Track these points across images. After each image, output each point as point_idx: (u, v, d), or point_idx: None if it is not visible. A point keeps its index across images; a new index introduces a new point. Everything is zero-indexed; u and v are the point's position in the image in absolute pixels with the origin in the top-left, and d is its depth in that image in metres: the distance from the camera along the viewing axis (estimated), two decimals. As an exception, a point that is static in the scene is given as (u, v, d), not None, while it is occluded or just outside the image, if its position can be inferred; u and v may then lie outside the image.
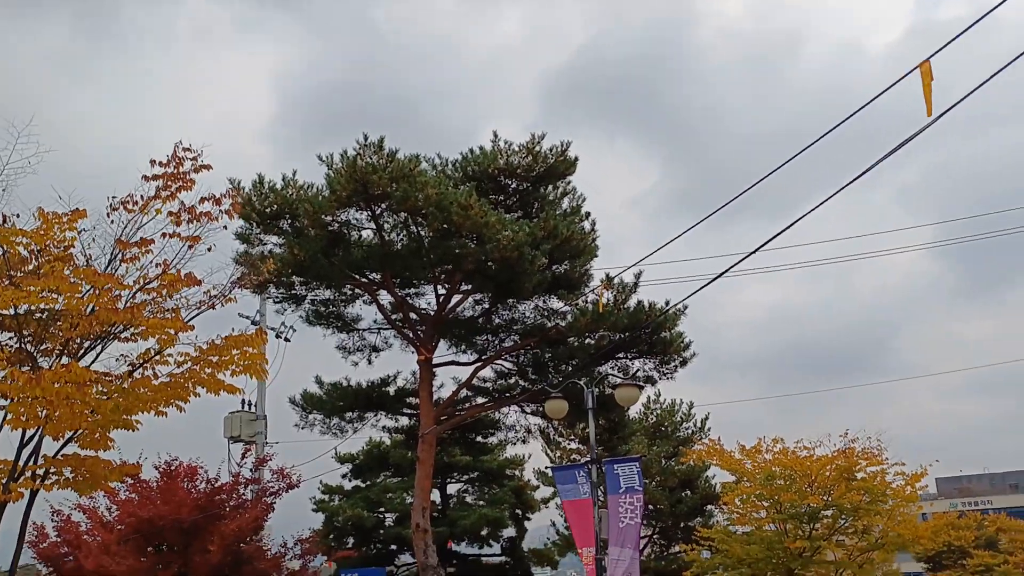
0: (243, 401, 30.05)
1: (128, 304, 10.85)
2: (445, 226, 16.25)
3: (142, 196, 11.04)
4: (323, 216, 16.90)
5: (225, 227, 11.54)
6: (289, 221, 17.84)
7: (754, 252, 9.59)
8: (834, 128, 7.33)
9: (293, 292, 19.30)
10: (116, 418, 10.80)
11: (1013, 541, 37.60)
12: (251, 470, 20.99)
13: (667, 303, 18.09)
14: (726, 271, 10.33)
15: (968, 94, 6.06)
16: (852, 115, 7.04)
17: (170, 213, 11.07)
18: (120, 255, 11.20)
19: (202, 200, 11.14)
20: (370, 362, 20.82)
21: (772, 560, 22.62)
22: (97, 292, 10.44)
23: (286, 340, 31.56)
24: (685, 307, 18.18)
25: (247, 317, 30.36)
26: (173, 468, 18.59)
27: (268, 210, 17.59)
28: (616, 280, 17.49)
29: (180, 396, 12.33)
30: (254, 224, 17.99)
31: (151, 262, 11.33)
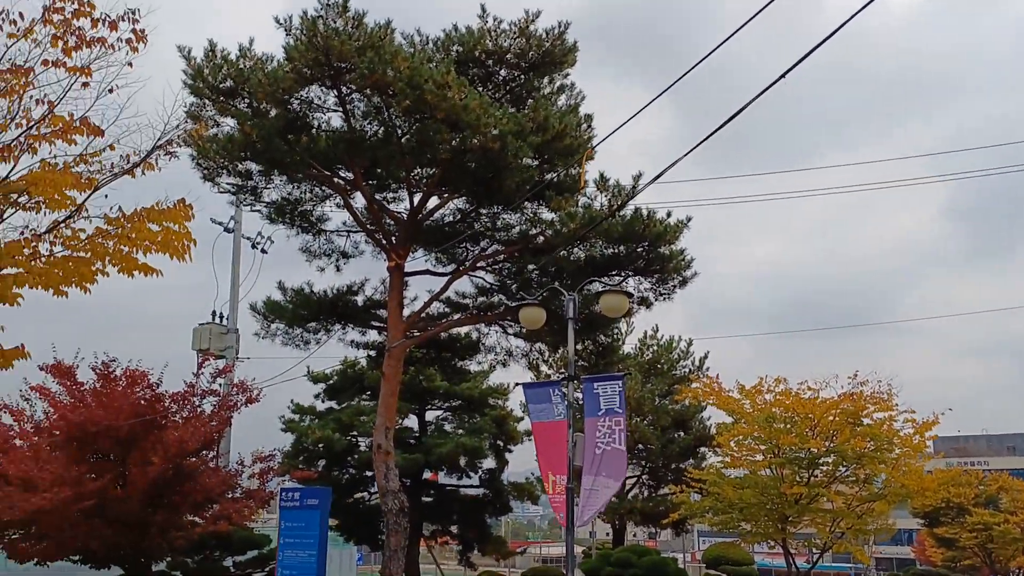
0: (213, 313, 28.37)
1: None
2: (418, 108, 14.14)
3: (24, 18, 8.99)
4: (281, 93, 14.77)
5: (130, 64, 9.51)
6: (247, 101, 15.74)
7: (724, 124, 7.60)
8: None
9: (253, 184, 17.28)
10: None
11: (1015, 501, 36.31)
12: (208, 381, 19.27)
13: (668, 215, 16.04)
14: (705, 139, 8.28)
15: None
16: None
17: (54, 37, 9.01)
18: None
19: (94, 23, 9.06)
20: (339, 269, 18.91)
21: (766, 505, 21.05)
22: None
23: (263, 251, 29.74)
24: (688, 219, 16.12)
25: (220, 223, 28.53)
26: (111, 371, 16.84)
27: (221, 85, 15.46)
28: (612, 183, 15.42)
29: (84, 275, 10.45)
30: (206, 101, 15.89)
31: (32, 99, 9.39)
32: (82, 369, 17.21)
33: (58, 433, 16.48)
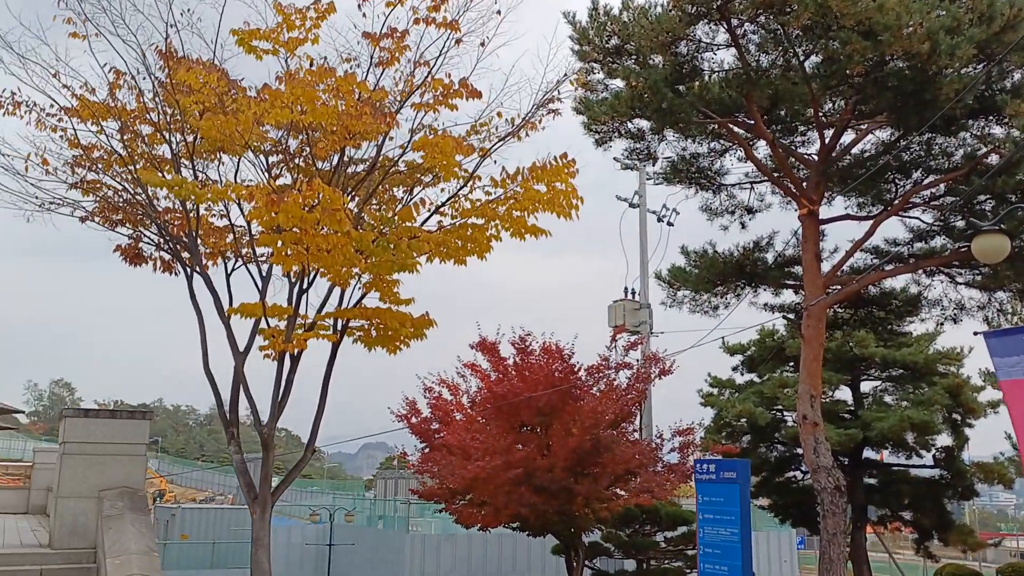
0: (625, 289, 28.49)
1: (381, 112, 9.14)
2: (820, 21, 12.11)
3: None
4: (667, 37, 13.72)
5: (498, 12, 9.17)
6: (633, 57, 14.99)
7: None
8: None
9: (645, 144, 16.50)
10: (387, 258, 9.25)
11: None
12: (621, 355, 19.10)
13: None
14: None
15: None
16: None
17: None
18: (372, 57, 9.53)
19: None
20: (743, 226, 17.34)
21: None
22: (341, 98, 8.85)
23: (669, 224, 29.24)
24: None
25: (625, 200, 28.57)
26: (528, 345, 17.33)
27: (607, 44, 14.87)
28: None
29: (479, 241, 10.45)
30: (594, 65, 15.45)
31: (408, 62, 9.49)
32: (505, 347, 18.02)
33: (488, 406, 17.36)
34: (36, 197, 11.44)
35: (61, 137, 11.33)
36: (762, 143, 15.85)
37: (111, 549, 9.24)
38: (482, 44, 9.52)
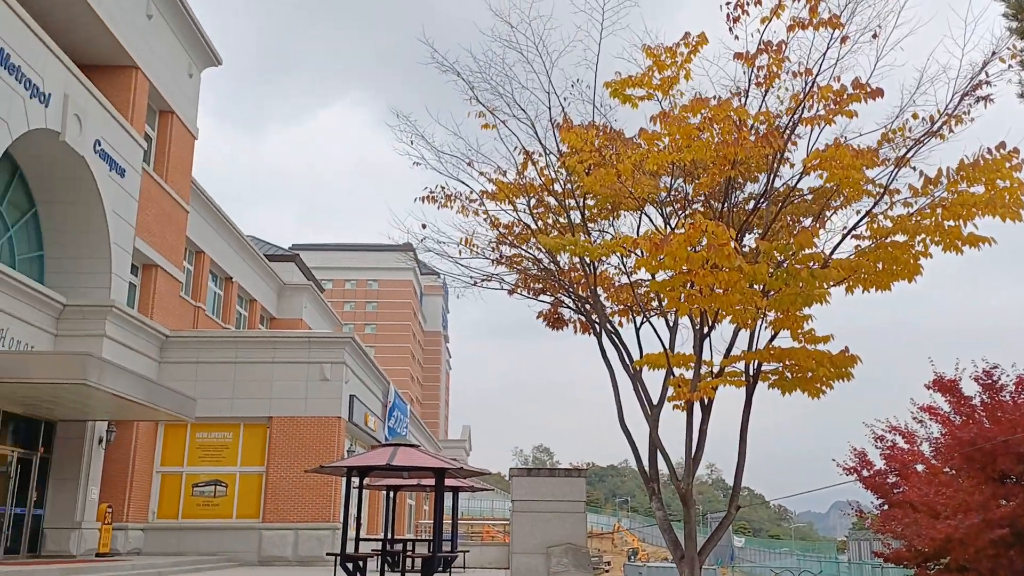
0: None
1: (761, 135, 8.26)
2: None
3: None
4: None
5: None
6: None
7: None
8: None
9: None
10: (791, 291, 8.30)
11: None
12: None
13: None
14: None
15: None
16: None
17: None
18: (749, 78, 8.73)
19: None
20: None
21: None
22: (716, 128, 8.20)
23: None
24: None
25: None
26: (995, 380, 14.63)
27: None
28: None
29: (903, 262, 9.09)
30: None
31: (788, 74, 8.53)
32: (966, 383, 15.48)
33: (954, 454, 14.97)
34: (469, 276, 12.70)
35: (485, 219, 12.48)
36: None
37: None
38: (874, 36, 8.34)
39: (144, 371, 21.09)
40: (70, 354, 17.06)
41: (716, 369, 10.24)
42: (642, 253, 8.70)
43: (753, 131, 8.58)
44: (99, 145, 19.75)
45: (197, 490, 23.23)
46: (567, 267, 12.33)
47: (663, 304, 11.00)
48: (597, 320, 11.68)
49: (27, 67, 16.81)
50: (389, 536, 19.73)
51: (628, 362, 11.22)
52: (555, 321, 13.15)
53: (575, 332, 13.07)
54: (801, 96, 8.62)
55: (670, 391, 10.73)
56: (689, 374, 10.38)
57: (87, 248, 20.16)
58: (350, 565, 13.93)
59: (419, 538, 28.92)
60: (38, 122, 17.29)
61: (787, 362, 9.49)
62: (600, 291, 11.98)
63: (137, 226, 21.79)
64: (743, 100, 9.04)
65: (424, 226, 11.97)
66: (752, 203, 10.22)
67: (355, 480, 15.03)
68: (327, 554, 19.11)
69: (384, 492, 23.58)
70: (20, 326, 18.14)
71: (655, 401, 11.21)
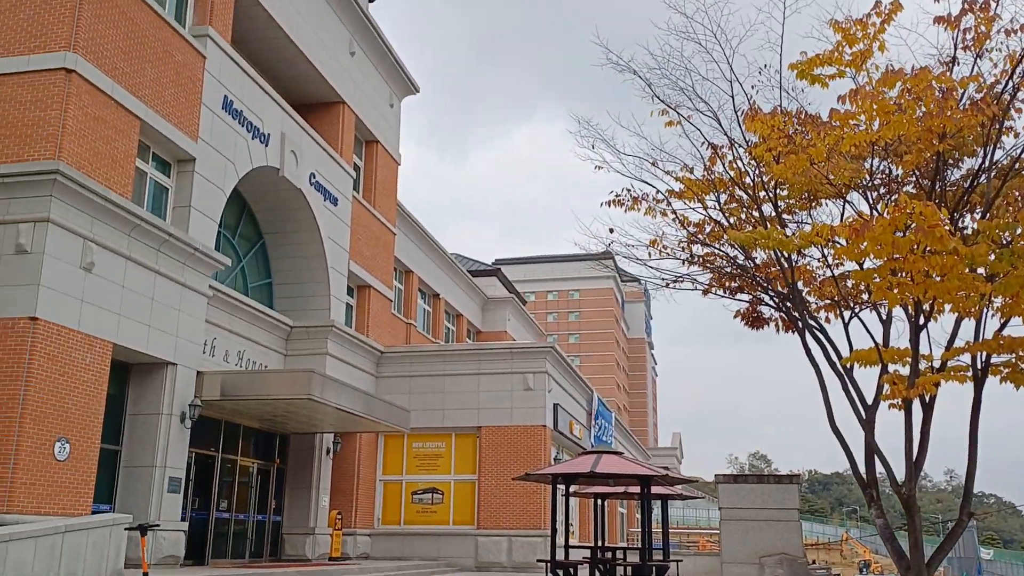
0: None
1: (972, 104, 7.36)
2: None
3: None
4: None
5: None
6: None
7: None
8: None
9: None
10: (1018, 274, 7.37)
11: None
12: None
13: None
14: None
15: None
16: None
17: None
18: (956, 43, 7.80)
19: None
20: None
21: None
22: (913, 99, 7.39)
23: None
24: None
25: None
26: None
27: None
28: None
29: None
30: None
31: (999, 32, 7.56)
32: None
33: None
34: (660, 278, 12.47)
35: (674, 219, 12.22)
36: None
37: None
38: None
39: (362, 385, 22.47)
40: (297, 371, 18.51)
41: (937, 364, 9.34)
42: (844, 242, 8.12)
43: (965, 99, 7.77)
44: (314, 177, 21.36)
45: (416, 497, 24.39)
46: (763, 263, 11.80)
47: (871, 296, 10.22)
48: (799, 317, 11.06)
49: (248, 111, 18.50)
50: (599, 543, 19.71)
51: (836, 360, 10.51)
52: (754, 320, 12.61)
53: (777, 331, 12.48)
54: (1018, 56, 7.69)
55: (885, 389, 9.93)
56: (905, 370, 9.54)
57: (307, 273, 21.84)
58: (560, 572, 14.04)
59: (630, 546, 28.69)
60: (259, 160, 18.97)
61: (1020, 352, 8.50)
62: (801, 286, 11.35)
63: (350, 250, 23.31)
64: (950, 68, 8.20)
65: (612, 230, 11.93)
66: (970, 180, 9.25)
67: (561, 487, 15.14)
68: (537, 560, 19.39)
69: (593, 500, 23.64)
70: (256, 348, 19.92)
71: (868, 401, 10.42)
